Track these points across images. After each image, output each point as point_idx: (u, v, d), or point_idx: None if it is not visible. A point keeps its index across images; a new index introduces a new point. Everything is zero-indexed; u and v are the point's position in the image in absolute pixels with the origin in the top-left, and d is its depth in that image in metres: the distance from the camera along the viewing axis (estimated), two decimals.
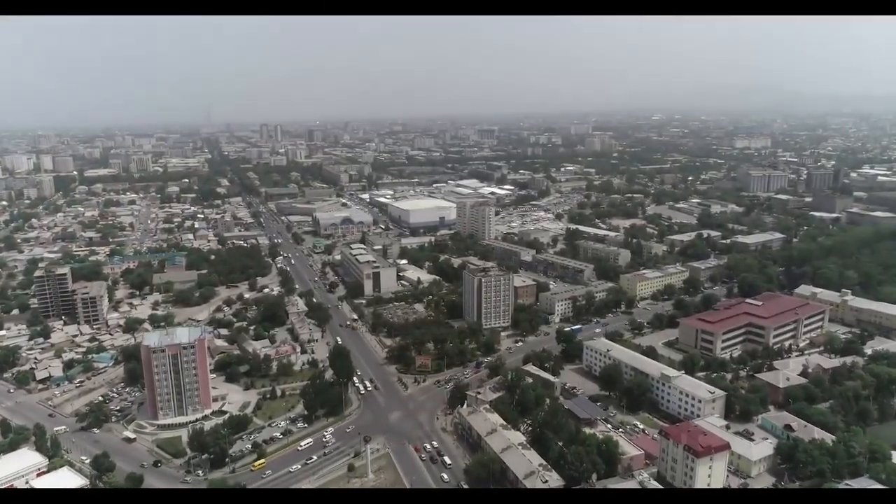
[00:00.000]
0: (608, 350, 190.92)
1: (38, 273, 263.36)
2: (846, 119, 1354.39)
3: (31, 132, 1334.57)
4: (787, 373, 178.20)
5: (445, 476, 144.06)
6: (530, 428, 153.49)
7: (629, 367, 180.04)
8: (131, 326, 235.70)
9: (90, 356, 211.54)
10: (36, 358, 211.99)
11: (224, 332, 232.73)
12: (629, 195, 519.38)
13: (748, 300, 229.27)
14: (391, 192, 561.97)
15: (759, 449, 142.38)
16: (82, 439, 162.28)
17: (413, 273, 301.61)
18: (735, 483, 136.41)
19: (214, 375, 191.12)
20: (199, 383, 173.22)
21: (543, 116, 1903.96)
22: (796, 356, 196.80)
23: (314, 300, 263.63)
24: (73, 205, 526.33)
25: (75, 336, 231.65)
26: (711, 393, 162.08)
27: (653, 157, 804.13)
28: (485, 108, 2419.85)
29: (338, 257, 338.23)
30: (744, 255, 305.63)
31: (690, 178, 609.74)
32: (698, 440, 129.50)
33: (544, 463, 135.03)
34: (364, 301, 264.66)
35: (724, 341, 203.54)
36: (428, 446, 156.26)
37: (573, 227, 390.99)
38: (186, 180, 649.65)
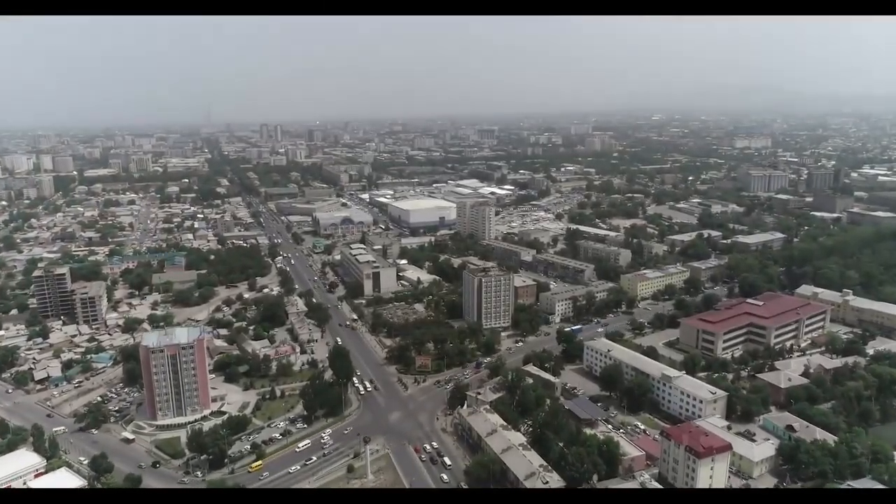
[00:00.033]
0: (609, 350, 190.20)
1: (36, 273, 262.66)
2: (846, 119, 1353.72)
3: (30, 132, 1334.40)
4: (788, 373, 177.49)
5: (445, 477, 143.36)
6: (531, 428, 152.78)
7: (630, 368, 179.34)
8: (130, 326, 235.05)
9: (89, 356, 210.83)
10: (34, 358, 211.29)
11: (223, 332, 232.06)
12: (629, 195, 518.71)
13: (749, 300, 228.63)
14: (391, 192, 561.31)
15: (761, 450, 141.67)
16: (80, 440, 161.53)
17: (413, 273, 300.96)
18: (737, 484, 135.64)
19: (213, 376, 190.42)
20: (198, 384, 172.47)
21: (543, 116, 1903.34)
22: (798, 356, 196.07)
23: (314, 300, 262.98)
24: (73, 205, 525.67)
25: (74, 336, 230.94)
26: (713, 393, 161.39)
27: (653, 157, 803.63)
28: (485, 108, 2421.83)
29: (337, 257, 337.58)
30: (745, 255, 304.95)
31: (691, 178, 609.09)
32: (700, 441, 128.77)
33: (545, 464, 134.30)
34: (364, 301, 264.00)
35: (725, 341, 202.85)
36: (428, 447, 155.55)
37: (573, 227, 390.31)
38: (186, 180, 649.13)
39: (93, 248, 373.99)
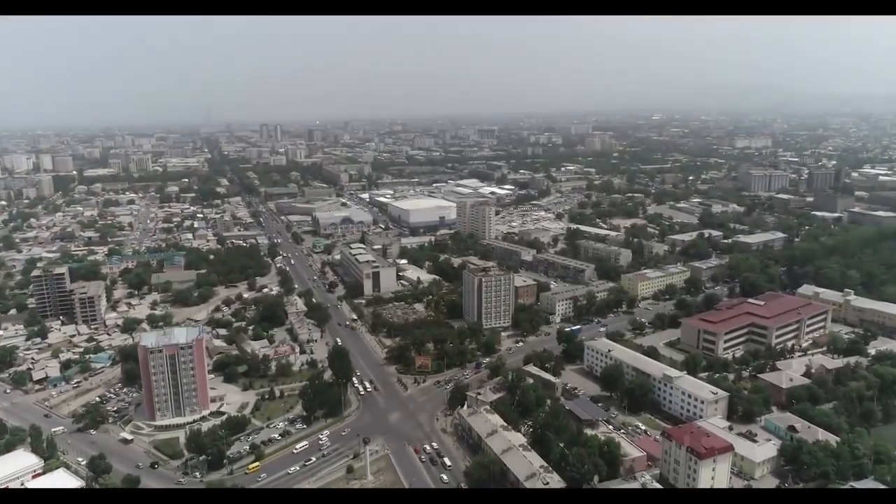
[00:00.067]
0: (609, 350, 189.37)
1: (35, 273, 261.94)
2: (846, 119, 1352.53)
3: (30, 132, 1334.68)
4: (790, 373, 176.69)
5: (445, 477, 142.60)
6: (531, 429, 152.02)
7: (631, 368, 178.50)
8: (129, 326, 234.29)
9: (87, 356, 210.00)
10: (33, 358, 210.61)
11: (223, 332, 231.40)
12: (630, 195, 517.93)
13: (750, 300, 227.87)
14: (391, 192, 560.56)
15: (763, 450, 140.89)
16: (79, 440, 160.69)
17: (413, 273, 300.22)
18: (738, 485, 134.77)
19: (213, 376, 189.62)
20: (197, 384, 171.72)
21: (543, 116, 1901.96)
22: (799, 356, 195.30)
23: (313, 300, 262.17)
24: (73, 204, 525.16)
25: (73, 336, 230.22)
26: (714, 394, 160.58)
27: (653, 157, 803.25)
28: (485, 108, 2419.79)
29: (337, 257, 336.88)
30: (745, 255, 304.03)
31: (691, 178, 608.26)
32: (701, 442, 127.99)
33: (545, 465, 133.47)
34: (363, 301, 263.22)
35: (726, 341, 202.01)
36: (428, 448, 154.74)
37: (574, 226, 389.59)
38: (186, 180, 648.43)
39: (92, 247, 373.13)
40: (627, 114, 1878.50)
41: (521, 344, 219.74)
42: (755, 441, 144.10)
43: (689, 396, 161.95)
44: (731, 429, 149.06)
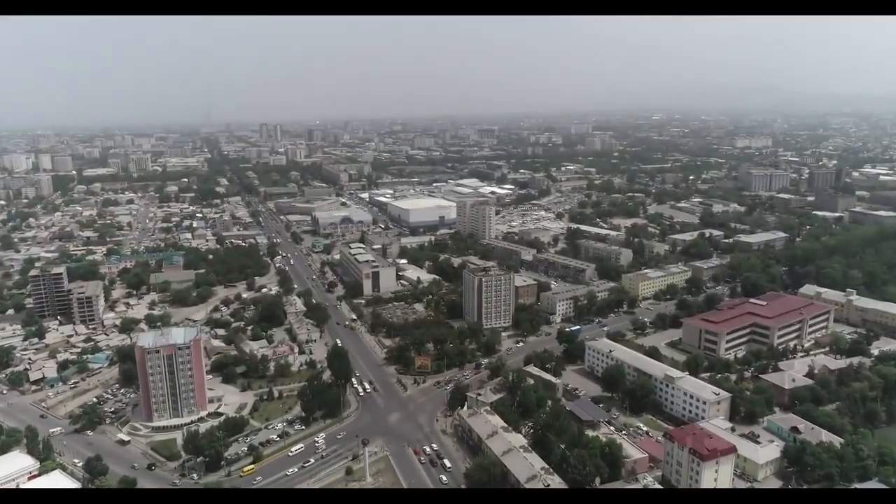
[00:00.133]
0: (610, 350, 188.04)
1: (33, 272, 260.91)
2: (846, 119, 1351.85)
3: (30, 132, 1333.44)
4: (792, 374, 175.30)
5: (445, 479, 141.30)
6: (532, 430, 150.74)
7: (632, 368, 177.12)
8: (127, 326, 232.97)
9: (85, 357, 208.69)
10: (30, 358, 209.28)
11: (221, 332, 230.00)
12: (630, 194, 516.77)
13: (752, 300, 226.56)
14: (391, 192, 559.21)
15: (766, 452, 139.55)
16: (75, 441, 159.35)
17: (413, 273, 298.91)
18: (741, 487, 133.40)
19: (211, 376, 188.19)
20: (195, 384, 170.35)
21: (543, 116, 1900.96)
22: (801, 357, 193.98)
23: (313, 300, 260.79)
24: (72, 204, 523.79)
25: (70, 336, 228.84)
26: (716, 394, 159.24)
27: (653, 157, 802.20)
28: (485, 108, 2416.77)
29: (337, 257, 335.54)
30: (747, 255, 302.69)
31: (692, 178, 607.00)
32: (704, 443, 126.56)
33: (546, 466, 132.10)
34: (363, 301, 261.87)
35: (728, 342, 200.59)
36: (427, 449, 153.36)
37: (574, 226, 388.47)
38: (185, 180, 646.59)
39: (91, 247, 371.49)
40: (627, 114, 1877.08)
41: (521, 344, 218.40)
42: (758, 442, 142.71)
43: (691, 397, 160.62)
44: (733, 430, 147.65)
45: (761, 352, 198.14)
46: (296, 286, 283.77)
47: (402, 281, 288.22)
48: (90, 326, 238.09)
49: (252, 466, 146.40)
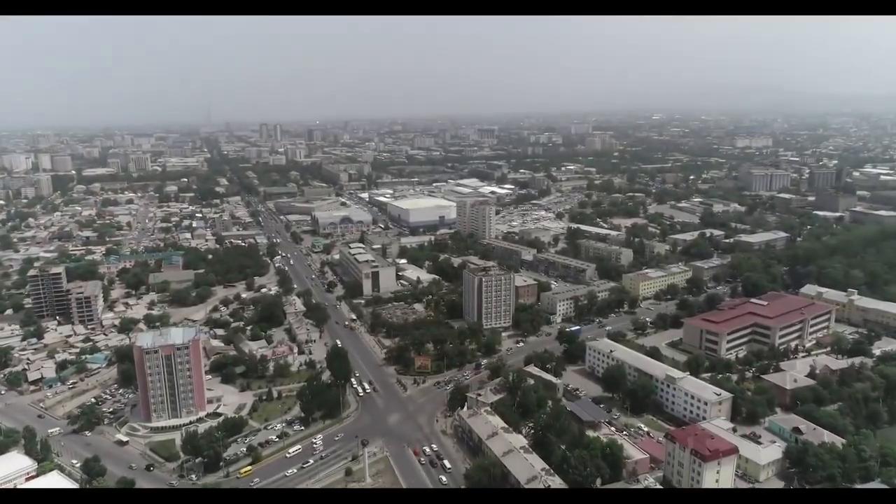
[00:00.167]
0: (611, 351, 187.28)
1: (32, 272, 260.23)
2: (847, 119, 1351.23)
3: (30, 131, 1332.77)
4: (794, 374, 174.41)
5: (445, 480, 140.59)
6: (532, 431, 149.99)
7: (633, 368, 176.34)
8: (126, 326, 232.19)
9: (84, 357, 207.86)
10: (28, 359, 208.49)
11: (220, 332, 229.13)
12: (630, 194, 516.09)
13: (753, 300, 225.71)
14: (391, 192, 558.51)
15: (768, 453, 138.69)
16: (74, 442, 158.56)
17: (412, 272, 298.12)
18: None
19: (210, 377, 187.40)
20: (194, 385, 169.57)
21: (543, 116, 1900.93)
22: (803, 357, 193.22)
23: (312, 300, 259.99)
24: (71, 204, 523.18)
25: (69, 336, 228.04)
26: (718, 395, 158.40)
27: (654, 157, 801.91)
28: (485, 108, 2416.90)
29: (336, 257, 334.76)
30: (747, 255, 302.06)
31: (692, 178, 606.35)
32: (706, 444, 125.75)
33: (547, 467, 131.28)
34: (363, 301, 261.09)
35: (729, 342, 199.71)
36: (427, 449, 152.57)
37: (574, 226, 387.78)
38: (185, 179, 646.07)
39: (90, 247, 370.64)
40: (627, 114, 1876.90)
41: (521, 344, 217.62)
42: (759, 443, 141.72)
43: (693, 398, 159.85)
44: (734, 430, 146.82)
45: (762, 352, 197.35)
46: (295, 286, 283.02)
47: (401, 281, 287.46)
48: (89, 326, 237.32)
49: (249, 468, 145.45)
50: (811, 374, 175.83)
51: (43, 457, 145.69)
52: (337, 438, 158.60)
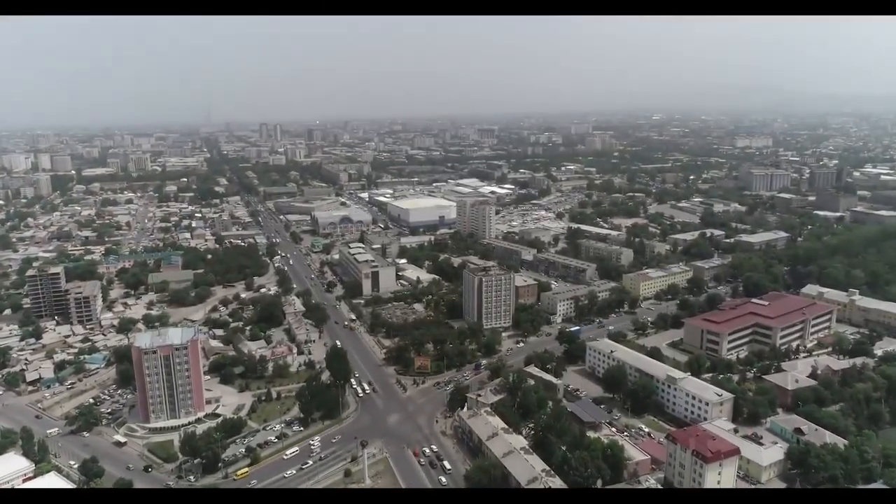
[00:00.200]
0: (612, 351, 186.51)
1: (30, 272, 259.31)
2: (847, 119, 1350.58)
3: (29, 131, 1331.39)
4: (795, 374, 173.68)
5: (445, 481, 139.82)
6: (532, 432, 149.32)
7: (633, 369, 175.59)
8: (125, 327, 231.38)
9: (82, 357, 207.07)
10: (27, 359, 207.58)
11: (219, 332, 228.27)
12: (630, 194, 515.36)
13: (754, 300, 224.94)
14: (391, 191, 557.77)
15: (770, 454, 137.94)
16: (72, 443, 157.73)
17: (412, 272, 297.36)
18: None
19: (209, 377, 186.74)
20: (192, 385, 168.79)
21: (543, 116, 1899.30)
22: (804, 357, 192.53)
23: (312, 300, 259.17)
24: (70, 204, 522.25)
25: (68, 336, 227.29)
26: (719, 395, 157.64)
27: (654, 157, 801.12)
28: (485, 108, 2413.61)
29: (336, 256, 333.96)
30: (748, 255, 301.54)
31: (692, 178, 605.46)
32: (707, 445, 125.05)
33: (547, 468, 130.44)
34: (362, 301, 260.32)
35: (730, 342, 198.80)
36: (427, 450, 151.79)
37: (574, 226, 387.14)
38: (185, 179, 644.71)
39: (89, 247, 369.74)
40: (627, 114, 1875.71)
41: (521, 344, 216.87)
42: (761, 444, 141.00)
43: (694, 398, 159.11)
44: (736, 431, 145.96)
45: (764, 352, 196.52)
46: (295, 286, 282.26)
47: (401, 281, 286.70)
48: (87, 327, 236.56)
49: (246, 470, 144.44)
50: (813, 375, 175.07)
51: (41, 458, 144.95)
52: (335, 441, 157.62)
